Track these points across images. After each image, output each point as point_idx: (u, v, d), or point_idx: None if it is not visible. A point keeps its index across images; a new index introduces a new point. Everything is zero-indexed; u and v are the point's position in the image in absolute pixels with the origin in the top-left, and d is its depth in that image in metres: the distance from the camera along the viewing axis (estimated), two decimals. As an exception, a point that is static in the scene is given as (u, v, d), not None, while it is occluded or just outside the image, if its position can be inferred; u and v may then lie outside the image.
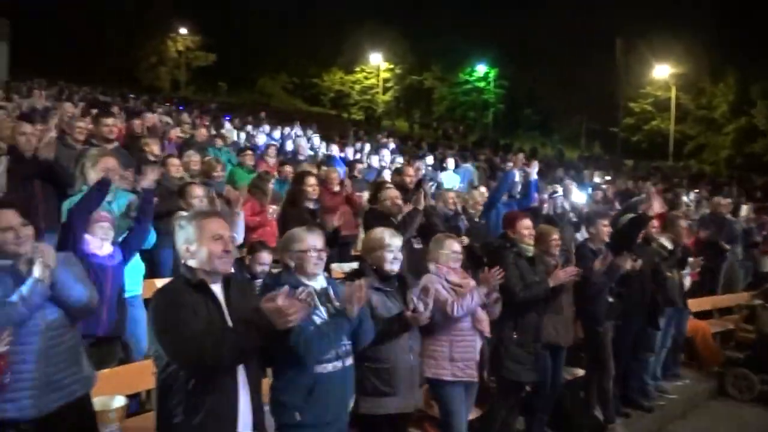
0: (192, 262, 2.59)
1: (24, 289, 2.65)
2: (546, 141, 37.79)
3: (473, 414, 4.34)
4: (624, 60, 35.35)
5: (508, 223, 4.78)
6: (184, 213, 3.47)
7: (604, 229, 5.46)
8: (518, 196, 7.77)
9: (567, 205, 8.33)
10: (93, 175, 4.15)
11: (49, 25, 35.66)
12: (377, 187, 5.89)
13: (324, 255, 3.09)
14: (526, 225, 4.64)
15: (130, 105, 17.50)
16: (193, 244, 2.57)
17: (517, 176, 7.87)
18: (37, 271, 2.68)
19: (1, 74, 23.93)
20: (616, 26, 33.74)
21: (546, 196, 8.46)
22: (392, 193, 5.38)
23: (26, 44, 30.37)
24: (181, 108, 20.23)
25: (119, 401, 3.47)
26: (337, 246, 5.97)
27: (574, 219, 8.01)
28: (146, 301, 4.46)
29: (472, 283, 4.04)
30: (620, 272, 5.08)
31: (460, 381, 3.93)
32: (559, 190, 8.65)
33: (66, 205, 4.14)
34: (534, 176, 7.74)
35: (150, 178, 4.22)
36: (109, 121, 5.77)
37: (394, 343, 3.46)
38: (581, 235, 7.48)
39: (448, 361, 3.90)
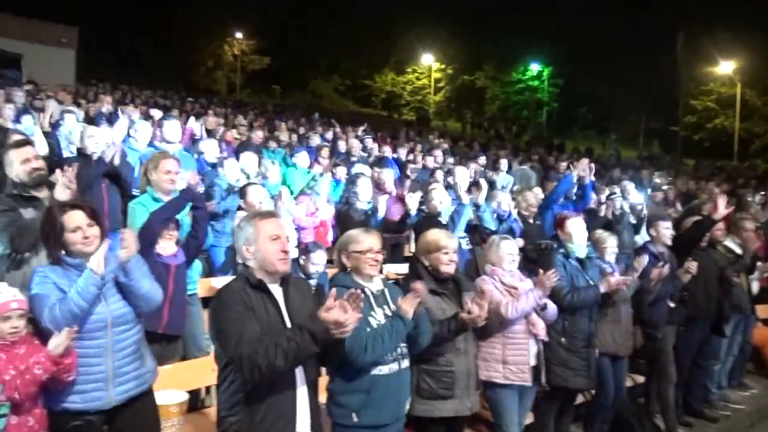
0: (251, 263, 2.65)
1: (80, 281, 2.76)
2: (602, 140, 36.82)
3: (529, 419, 4.27)
4: (685, 56, 34.09)
5: (558, 223, 4.72)
6: (244, 213, 3.54)
7: (666, 231, 5.28)
8: (574, 198, 7.63)
9: (626, 207, 8.08)
10: (155, 177, 4.29)
11: (113, 32, 37.17)
12: (426, 188, 5.90)
13: (381, 257, 3.10)
14: (575, 225, 4.53)
15: (187, 108, 18.01)
16: (252, 245, 2.64)
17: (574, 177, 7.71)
18: (93, 263, 2.78)
19: (69, 80, 25.03)
20: (677, 21, 32.59)
21: (604, 197, 8.24)
22: (439, 193, 5.36)
23: (92, 50, 31.71)
24: (235, 110, 20.68)
25: (180, 396, 3.58)
26: (391, 247, 5.99)
27: (633, 221, 7.77)
28: (202, 300, 4.60)
29: (529, 285, 3.97)
30: (682, 284, 4.91)
31: (513, 384, 3.87)
32: (617, 191, 8.39)
33: (132, 206, 4.28)
34: (590, 177, 7.57)
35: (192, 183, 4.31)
36: (171, 123, 5.95)
37: (449, 345, 3.44)
38: (641, 237, 7.27)
39: (500, 363, 3.86)
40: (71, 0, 33.36)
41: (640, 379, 5.51)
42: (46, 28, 28.70)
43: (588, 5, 35.39)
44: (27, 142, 3.77)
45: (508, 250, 4.04)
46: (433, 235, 3.64)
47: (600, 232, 4.90)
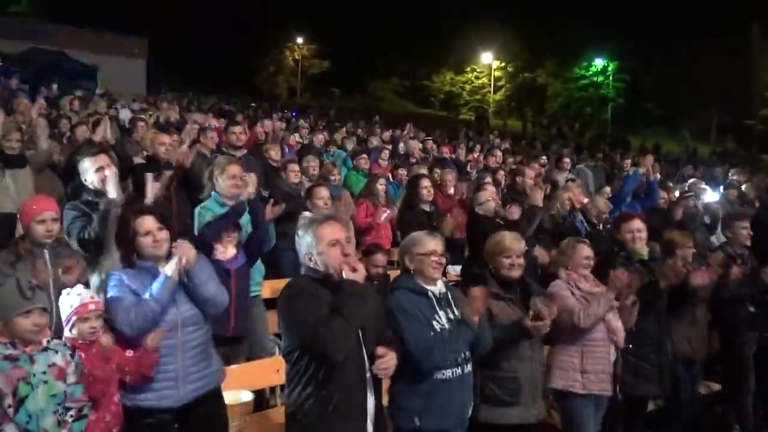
0: (315, 267, 2.68)
1: (154, 286, 2.86)
2: (671, 137, 35.33)
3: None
4: (761, 45, 32.27)
5: (616, 224, 4.52)
6: (307, 214, 3.57)
7: (743, 231, 5.01)
8: (642, 196, 7.37)
9: (700, 206, 7.72)
10: (221, 182, 4.40)
11: (180, 42, 38.62)
12: (477, 188, 5.80)
13: (444, 260, 3.08)
14: (633, 227, 4.29)
15: (250, 113, 18.45)
16: (313, 252, 2.66)
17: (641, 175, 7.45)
18: (168, 270, 2.88)
19: (140, 89, 26.20)
20: (752, 9, 30.88)
21: (675, 196, 7.90)
22: (488, 194, 5.27)
23: (160, 60, 33.07)
24: (293, 114, 21.07)
25: (246, 396, 3.65)
26: (449, 249, 5.93)
27: (707, 221, 7.41)
28: (267, 302, 4.68)
29: (603, 289, 3.81)
30: (764, 285, 4.62)
31: (591, 394, 3.73)
32: (691, 190, 8.03)
33: (199, 210, 4.41)
34: (655, 174, 7.31)
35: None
36: (237, 129, 6.10)
37: (514, 351, 3.37)
38: (716, 238, 6.93)
39: (579, 372, 3.70)
40: (142, 13, 34.93)
41: (716, 386, 5.24)
42: (118, 41, 30.20)
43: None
44: (102, 150, 3.93)
45: (584, 254, 3.86)
46: (497, 237, 3.57)
47: (675, 234, 4.66)
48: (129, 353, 2.81)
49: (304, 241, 2.68)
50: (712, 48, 31.67)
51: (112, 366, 2.78)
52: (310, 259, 2.66)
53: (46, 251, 3.21)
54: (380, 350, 2.65)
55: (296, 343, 2.59)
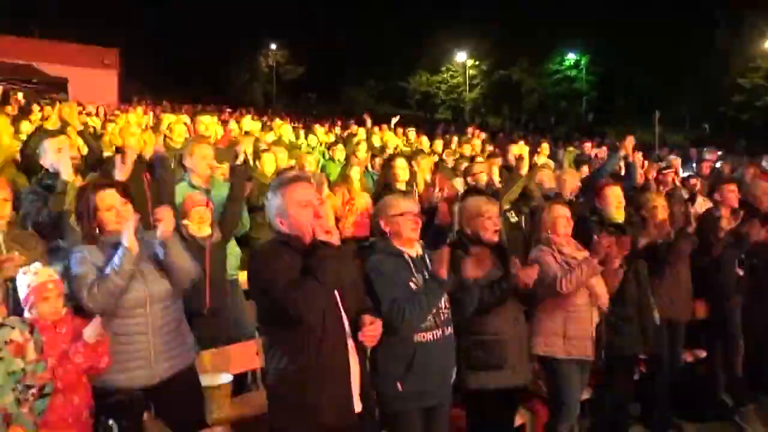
0: (285, 230, 2.55)
1: (115, 259, 2.73)
2: (645, 127, 35.74)
3: (586, 394, 4.08)
4: (732, 32, 32.81)
5: (597, 191, 4.50)
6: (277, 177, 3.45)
7: (731, 195, 5.02)
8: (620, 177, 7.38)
9: (677, 181, 7.77)
10: (190, 163, 4.29)
11: (151, 52, 38.27)
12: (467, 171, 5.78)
13: (419, 220, 3.00)
14: (613, 193, 4.31)
15: (226, 117, 18.26)
16: (284, 215, 2.52)
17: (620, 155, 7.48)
18: (125, 240, 2.75)
19: (112, 99, 25.82)
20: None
21: (652, 175, 7.94)
22: (478, 167, 5.26)
23: (132, 71, 32.68)
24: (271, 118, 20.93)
25: (225, 378, 3.54)
26: (433, 234, 5.87)
27: (686, 195, 7.45)
28: (245, 293, 4.56)
29: (586, 254, 3.76)
30: (748, 241, 4.61)
31: (574, 359, 3.68)
32: (668, 166, 8.07)
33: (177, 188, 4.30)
34: (633, 156, 7.33)
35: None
36: (206, 119, 5.99)
37: (499, 313, 3.31)
38: (698, 209, 6.97)
39: (561, 337, 3.66)
40: (111, 23, 34.54)
41: (703, 353, 5.22)
42: (88, 52, 29.78)
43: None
44: (61, 132, 3.81)
45: (560, 213, 3.82)
46: (473, 201, 3.51)
47: (648, 193, 4.65)
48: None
49: (273, 203, 2.54)
50: (681, 40, 32.14)
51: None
52: (281, 222, 2.53)
53: (-1, 235, 3.07)
54: (367, 319, 2.55)
55: (267, 307, 2.48)
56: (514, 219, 5.14)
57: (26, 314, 2.71)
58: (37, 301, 2.68)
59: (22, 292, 2.70)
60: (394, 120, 10.99)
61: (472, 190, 4.92)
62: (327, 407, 2.43)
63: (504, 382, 3.29)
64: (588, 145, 11.80)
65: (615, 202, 4.25)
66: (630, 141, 6.92)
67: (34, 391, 2.48)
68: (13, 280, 2.79)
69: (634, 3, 34.01)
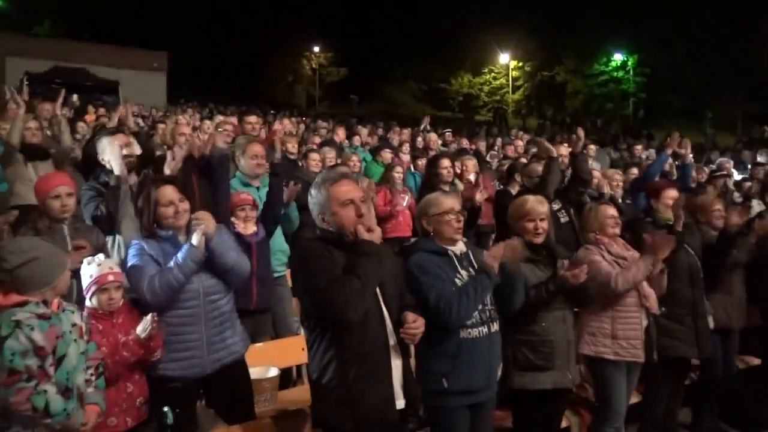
0: (328, 227, 2.57)
1: (179, 255, 2.84)
2: (695, 129, 34.69)
3: (634, 398, 4.01)
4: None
5: (653, 193, 4.43)
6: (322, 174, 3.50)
7: None
8: (673, 179, 7.21)
9: (730, 185, 7.54)
10: (242, 162, 4.41)
11: (200, 54, 39.23)
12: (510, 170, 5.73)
13: (462, 218, 3.00)
14: (670, 195, 4.23)
15: (270, 120, 18.56)
16: (327, 212, 2.53)
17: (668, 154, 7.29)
18: (194, 239, 2.86)
19: (160, 102, 26.55)
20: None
21: (704, 178, 7.73)
22: (538, 168, 5.18)
23: (180, 73, 33.55)
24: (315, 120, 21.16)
25: (272, 372, 3.62)
26: (475, 235, 5.85)
27: (740, 199, 7.23)
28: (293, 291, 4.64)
29: (636, 254, 3.71)
30: None
31: (623, 361, 3.62)
32: (722, 168, 7.86)
33: None
34: (689, 158, 7.13)
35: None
36: (252, 118, 6.11)
37: (547, 314, 3.28)
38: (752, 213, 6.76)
39: (610, 338, 3.59)
40: (161, 27, 35.55)
41: (755, 361, 5.06)
42: (139, 55, 30.72)
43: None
44: (119, 130, 3.96)
45: (609, 213, 3.76)
46: (521, 200, 3.48)
47: (704, 197, 4.53)
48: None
49: (316, 200, 2.57)
50: (735, 35, 31.04)
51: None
52: (323, 219, 2.56)
53: (64, 227, 3.22)
54: (410, 316, 2.55)
55: (310, 305, 2.50)
56: (564, 219, 5.08)
57: (87, 303, 2.84)
58: (97, 291, 2.81)
59: (84, 282, 2.84)
60: (425, 122, 10.93)
61: (524, 190, 4.90)
62: (369, 403, 2.45)
63: (549, 384, 3.26)
64: (639, 147, 11.51)
65: (671, 205, 4.16)
66: (675, 137, 6.78)
67: (92, 371, 2.60)
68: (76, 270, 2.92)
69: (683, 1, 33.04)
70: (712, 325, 4.15)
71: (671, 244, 3.61)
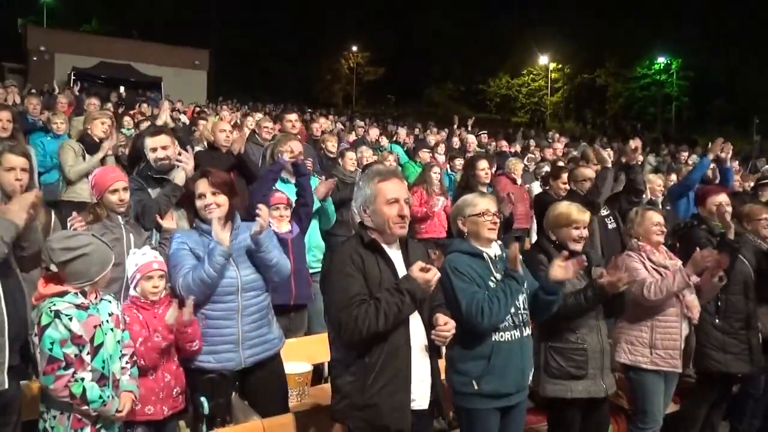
0: (368, 222, 2.62)
1: (210, 251, 2.87)
2: (742, 135, 33.60)
3: (670, 408, 3.92)
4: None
5: (699, 199, 4.32)
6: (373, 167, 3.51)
7: None
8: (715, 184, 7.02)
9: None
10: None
11: (240, 53, 39.86)
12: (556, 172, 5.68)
13: (497, 220, 2.98)
14: (719, 201, 4.10)
15: (307, 118, 18.74)
16: (370, 206, 2.58)
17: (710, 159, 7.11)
18: (215, 236, 2.89)
19: (201, 98, 27.02)
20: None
21: (749, 186, 7.50)
22: (588, 172, 5.10)
23: (220, 71, 34.14)
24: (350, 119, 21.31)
25: (305, 367, 3.66)
26: (511, 237, 5.83)
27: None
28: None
29: (678, 263, 3.62)
30: None
31: (661, 370, 3.55)
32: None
33: None
34: (730, 162, 6.94)
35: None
36: (291, 116, 6.18)
37: (581, 322, 3.24)
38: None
39: (648, 348, 3.54)
40: (203, 25, 36.22)
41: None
42: (181, 53, 31.36)
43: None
44: (161, 131, 4.05)
45: (655, 220, 3.68)
46: (564, 207, 3.42)
47: (753, 205, 4.39)
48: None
49: (362, 192, 2.61)
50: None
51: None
52: (365, 211, 2.60)
53: (120, 218, 3.31)
54: (441, 318, 2.55)
55: (329, 314, 2.57)
56: (612, 225, 5.02)
57: (131, 291, 2.92)
58: (142, 279, 2.88)
59: (130, 270, 2.92)
60: (470, 121, 10.92)
61: (570, 195, 4.83)
62: (384, 409, 2.47)
63: (582, 392, 3.21)
64: (684, 154, 11.24)
65: (718, 210, 4.04)
66: (719, 142, 6.61)
67: (127, 358, 2.68)
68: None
69: (726, 2, 32.09)
70: (760, 337, 4.02)
71: (725, 263, 3.51)
